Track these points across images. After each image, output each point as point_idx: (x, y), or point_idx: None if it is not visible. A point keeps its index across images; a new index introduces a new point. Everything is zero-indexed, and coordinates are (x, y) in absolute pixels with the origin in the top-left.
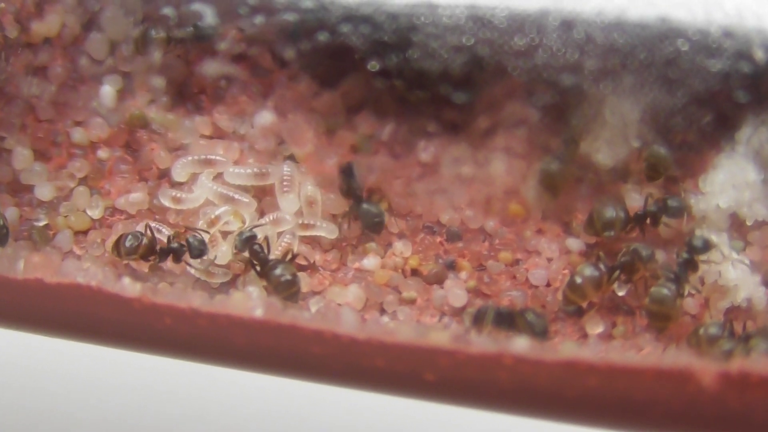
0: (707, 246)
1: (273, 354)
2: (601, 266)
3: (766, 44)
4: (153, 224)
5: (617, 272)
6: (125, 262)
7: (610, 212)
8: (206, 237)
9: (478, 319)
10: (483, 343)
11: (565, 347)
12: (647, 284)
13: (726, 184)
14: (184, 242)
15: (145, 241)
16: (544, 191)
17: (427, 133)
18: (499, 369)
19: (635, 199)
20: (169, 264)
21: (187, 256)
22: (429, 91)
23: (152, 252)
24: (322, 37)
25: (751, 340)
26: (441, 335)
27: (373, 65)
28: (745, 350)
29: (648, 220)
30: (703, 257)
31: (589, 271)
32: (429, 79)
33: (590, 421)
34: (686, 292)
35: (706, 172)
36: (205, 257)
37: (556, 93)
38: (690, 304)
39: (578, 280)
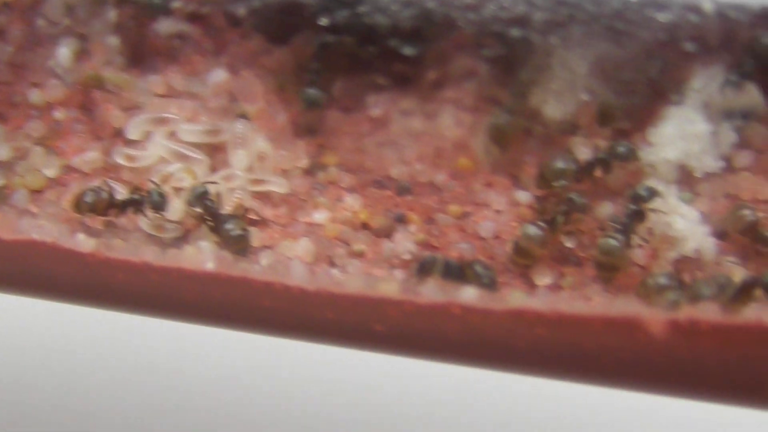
0: (652, 194)
1: (224, 307)
2: (541, 223)
3: None
4: (109, 181)
5: (558, 224)
6: (85, 217)
7: (560, 163)
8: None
9: (426, 270)
10: (431, 293)
11: (513, 297)
12: (595, 235)
13: (674, 135)
14: (145, 194)
15: (104, 195)
16: (493, 144)
17: (377, 89)
18: (447, 319)
19: (584, 153)
20: (123, 220)
21: (146, 209)
22: (378, 46)
23: (112, 206)
24: None
25: (700, 288)
26: (390, 286)
27: (324, 21)
28: (694, 299)
29: (599, 169)
30: (649, 206)
31: (532, 230)
32: (378, 34)
33: (540, 371)
34: (634, 243)
35: (655, 124)
36: (164, 211)
37: (504, 46)
38: (638, 255)
39: (523, 243)
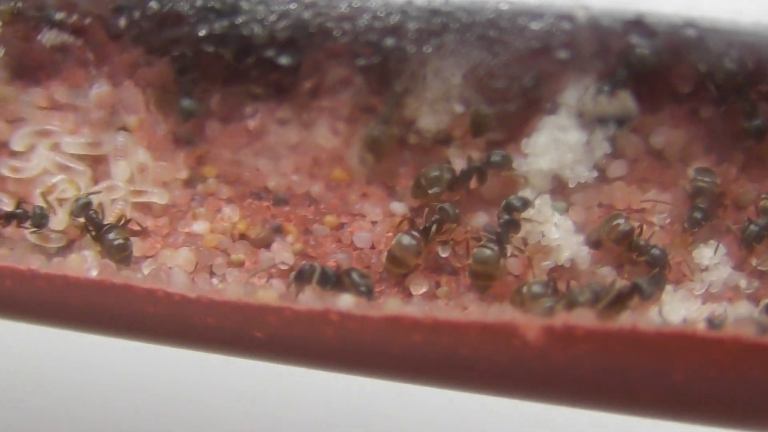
0: (525, 204)
1: (108, 313)
2: (415, 233)
3: (586, 4)
4: None
5: (432, 233)
6: None
7: (436, 171)
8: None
9: (304, 278)
10: (309, 300)
11: (389, 304)
12: (469, 245)
13: (548, 146)
14: (29, 209)
15: None
16: (368, 155)
17: (255, 100)
18: (325, 326)
19: (459, 164)
20: (9, 230)
21: (28, 224)
22: (256, 56)
23: None
24: (152, 6)
25: (574, 296)
26: (268, 293)
27: (202, 33)
28: (568, 306)
29: (474, 178)
30: (523, 216)
31: (406, 240)
32: (255, 44)
33: (416, 377)
34: (509, 253)
35: (529, 134)
36: (44, 227)
37: (378, 56)
38: (513, 265)
39: (397, 253)
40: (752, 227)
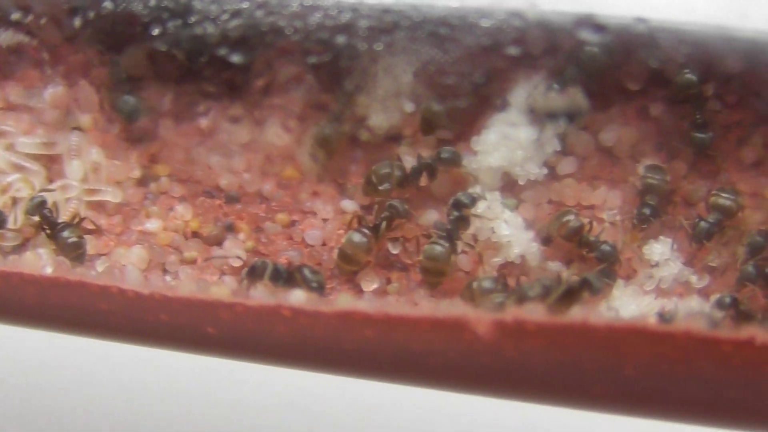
0: (473, 201)
1: (63, 310)
2: (365, 230)
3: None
4: None
5: (382, 230)
6: None
7: (386, 168)
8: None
9: (256, 274)
10: (261, 296)
11: (341, 299)
12: (420, 242)
13: (498, 143)
14: None
15: None
16: (319, 153)
17: (207, 99)
18: (277, 321)
19: (409, 161)
20: None
21: None
22: (208, 56)
23: None
24: (106, 6)
25: (525, 291)
26: (221, 289)
27: (155, 32)
28: (518, 301)
29: (424, 175)
30: (472, 213)
31: (356, 238)
32: (208, 43)
33: (369, 372)
34: (459, 249)
35: (479, 132)
36: (1, 229)
37: (329, 54)
38: (464, 261)
39: (348, 250)
40: (702, 224)
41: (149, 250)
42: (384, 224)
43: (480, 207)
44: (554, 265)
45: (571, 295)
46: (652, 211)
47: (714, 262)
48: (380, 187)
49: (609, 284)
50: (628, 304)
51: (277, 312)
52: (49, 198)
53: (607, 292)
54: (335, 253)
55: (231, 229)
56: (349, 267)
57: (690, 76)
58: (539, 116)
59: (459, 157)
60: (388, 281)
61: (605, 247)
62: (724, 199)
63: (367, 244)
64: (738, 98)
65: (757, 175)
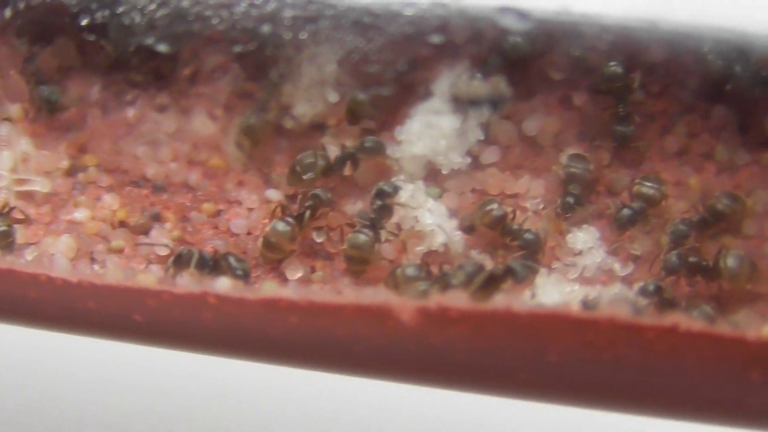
0: (396, 190)
1: None
2: (289, 219)
3: None
4: None
5: (305, 219)
6: None
7: (310, 157)
8: None
9: (182, 262)
10: (187, 284)
11: (266, 287)
12: (344, 231)
13: (421, 133)
14: None
15: None
16: (244, 143)
17: (133, 90)
18: (203, 308)
19: (334, 151)
20: None
21: None
22: (135, 47)
23: None
24: None
25: (448, 278)
26: (147, 277)
27: (83, 23)
28: (442, 288)
29: (348, 164)
30: (395, 202)
31: (281, 227)
32: (134, 34)
33: (294, 360)
34: (383, 238)
35: (402, 122)
36: None
37: (255, 43)
38: (387, 250)
39: (272, 239)
40: (625, 211)
41: (77, 239)
42: (308, 213)
43: (403, 196)
44: (477, 254)
45: (493, 282)
46: (575, 200)
47: (638, 251)
48: (304, 177)
49: (532, 272)
50: (551, 292)
51: (202, 299)
52: None
53: (531, 280)
54: (260, 241)
55: (157, 218)
56: (274, 255)
57: (616, 68)
58: (462, 105)
59: (382, 147)
60: (313, 270)
61: (528, 236)
62: (648, 188)
63: (290, 232)
64: (662, 87)
65: (680, 164)
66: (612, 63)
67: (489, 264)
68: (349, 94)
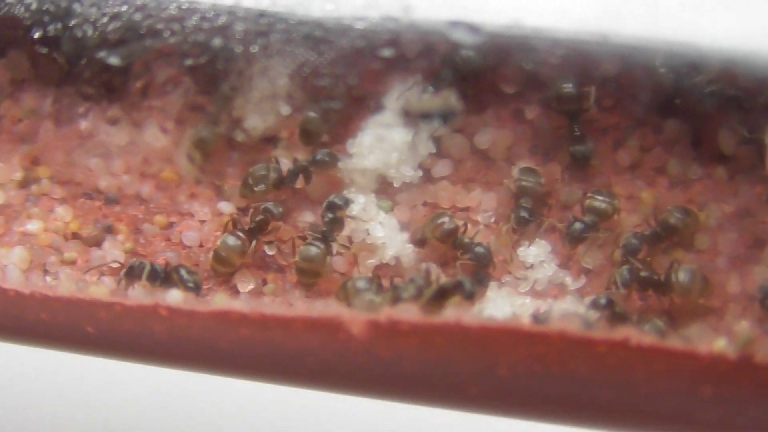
0: (347, 203)
1: None
2: (240, 233)
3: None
4: None
5: (257, 233)
6: None
7: (263, 170)
8: None
9: (134, 274)
10: (139, 296)
11: (217, 299)
12: (295, 244)
13: (373, 146)
14: None
15: None
16: (196, 155)
17: (87, 101)
18: (155, 320)
19: (286, 164)
20: None
21: None
22: (87, 59)
23: None
24: None
25: (399, 292)
26: (99, 289)
27: (36, 35)
28: (392, 301)
29: (300, 177)
30: (346, 215)
31: (231, 241)
32: (87, 47)
33: (245, 372)
34: (334, 251)
35: (354, 135)
36: None
37: (206, 57)
38: (339, 262)
39: (222, 253)
40: (577, 224)
41: (30, 251)
42: (259, 227)
43: (355, 209)
44: (429, 267)
45: (443, 296)
46: (527, 214)
47: (589, 264)
48: (256, 189)
49: (482, 287)
50: (502, 306)
51: (154, 311)
52: None
53: (481, 294)
54: (210, 254)
55: (110, 230)
56: (224, 269)
57: (570, 90)
58: (414, 118)
59: (335, 159)
60: (264, 282)
61: (479, 249)
62: (600, 202)
63: (241, 246)
64: (614, 101)
65: (633, 178)
66: (566, 84)
67: (438, 275)
68: (303, 114)
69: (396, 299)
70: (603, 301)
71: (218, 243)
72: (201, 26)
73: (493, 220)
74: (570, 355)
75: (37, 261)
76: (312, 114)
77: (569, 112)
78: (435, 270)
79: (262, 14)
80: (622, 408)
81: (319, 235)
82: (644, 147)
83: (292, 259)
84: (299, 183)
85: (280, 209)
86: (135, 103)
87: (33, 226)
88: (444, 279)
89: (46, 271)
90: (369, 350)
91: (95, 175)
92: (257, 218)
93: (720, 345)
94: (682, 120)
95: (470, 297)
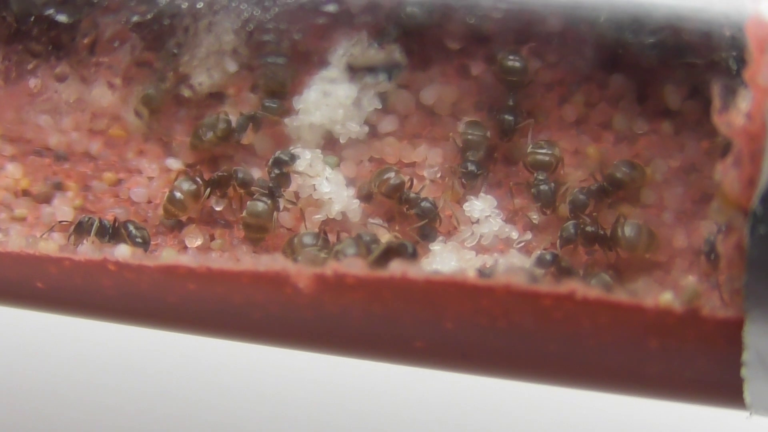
0: (293, 159)
1: None
2: (198, 179)
3: None
4: None
5: (214, 186)
6: None
7: (212, 119)
8: None
9: (82, 230)
10: (88, 251)
11: (165, 254)
12: (243, 200)
13: (319, 102)
14: None
15: None
16: (143, 112)
17: (35, 58)
18: (103, 275)
19: (233, 121)
20: None
21: None
22: (35, 16)
23: None
24: None
25: (344, 247)
26: (49, 245)
27: None
28: (338, 256)
29: (250, 127)
30: (293, 170)
31: (186, 185)
32: (35, 5)
33: (193, 326)
34: (281, 206)
35: (300, 91)
36: None
37: (153, 13)
38: (286, 218)
39: (177, 194)
40: (543, 187)
41: None
42: (219, 181)
43: (301, 164)
44: (375, 222)
45: (388, 256)
46: (474, 168)
47: (536, 219)
48: (205, 138)
49: (428, 242)
50: (448, 260)
51: (102, 266)
52: None
53: (426, 251)
54: (164, 197)
55: (59, 187)
56: (176, 211)
57: (514, 63)
58: (359, 74)
59: (283, 108)
60: (212, 237)
61: (425, 204)
62: (542, 155)
63: (196, 191)
64: (559, 57)
65: (578, 133)
66: (511, 57)
67: (385, 233)
68: (257, 71)
69: (341, 254)
70: (548, 256)
71: (174, 184)
72: None
73: (439, 175)
74: (515, 309)
75: None
76: (268, 72)
77: (510, 83)
78: (383, 227)
79: None
80: (569, 361)
81: (266, 191)
82: (589, 102)
83: (240, 214)
84: (247, 138)
85: (246, 177)
86: (83, 59)
87: None
88: (389, 239)
89: None
90: (315, 304)
91: (45, 132)
92: (221, 173)
93: (666, 298)
94: (627, 75)
95: (414, 258)
